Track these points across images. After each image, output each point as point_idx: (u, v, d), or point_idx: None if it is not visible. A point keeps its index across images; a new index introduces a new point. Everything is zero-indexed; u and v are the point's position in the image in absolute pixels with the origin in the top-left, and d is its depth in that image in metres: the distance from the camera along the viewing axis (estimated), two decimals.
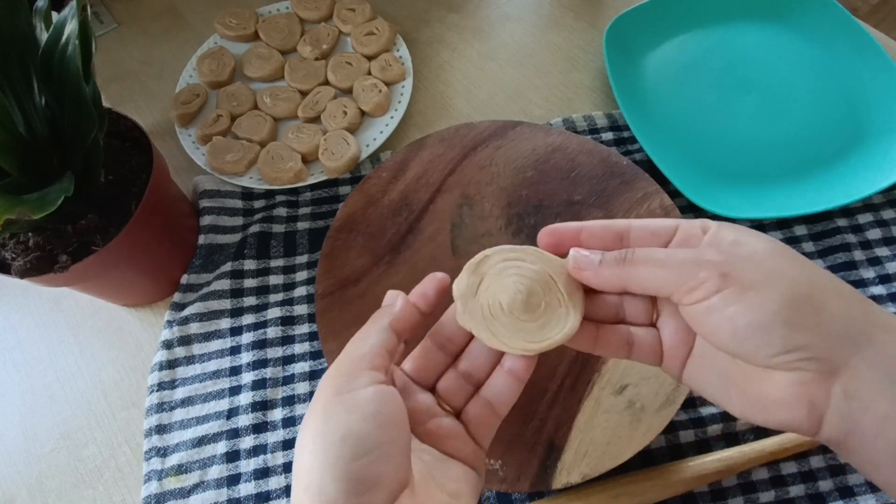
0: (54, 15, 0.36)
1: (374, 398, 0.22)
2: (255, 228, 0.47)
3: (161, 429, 0.40)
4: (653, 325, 0.27)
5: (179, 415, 0.40)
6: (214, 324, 0.43)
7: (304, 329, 0.43)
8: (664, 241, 0.26)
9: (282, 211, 0.48)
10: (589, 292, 0.27)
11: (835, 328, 0.21)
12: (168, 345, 0.42)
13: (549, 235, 0.27)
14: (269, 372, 0.41)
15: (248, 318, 0.44)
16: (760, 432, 0.38)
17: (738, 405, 0.24)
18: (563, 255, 0.27)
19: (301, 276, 0.45)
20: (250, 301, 0.44)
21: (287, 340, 0.43)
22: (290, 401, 0.41)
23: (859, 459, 0.22)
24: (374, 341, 0.25)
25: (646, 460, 0.38)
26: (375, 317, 0.26)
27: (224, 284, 0.44)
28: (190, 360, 0.42)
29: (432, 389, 0.27)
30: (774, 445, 0.37)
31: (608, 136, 0.51)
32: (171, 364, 0.42)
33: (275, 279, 0.45)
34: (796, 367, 0.21)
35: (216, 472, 0.39)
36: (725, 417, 0.39)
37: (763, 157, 0.49)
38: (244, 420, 0.40)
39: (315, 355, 0.42)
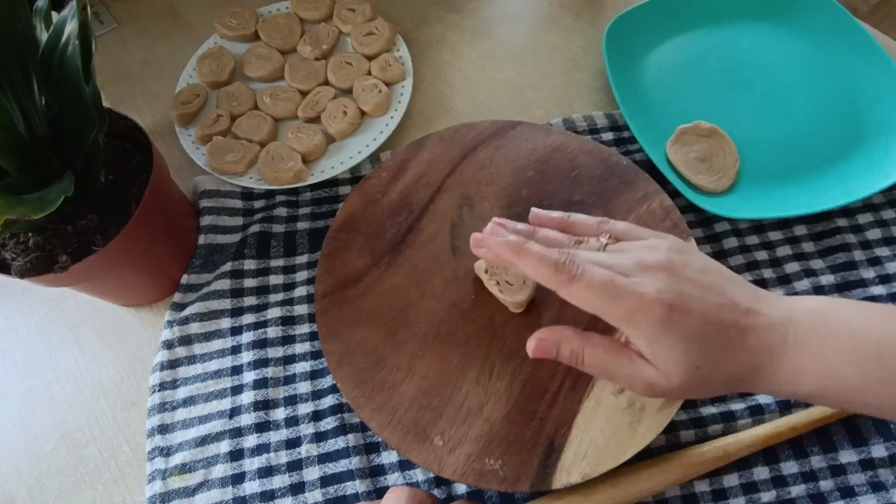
0: (54, 15, 0.36)
1: None
2: (255, 228, 0.47)
3: (164, 428, 0.40)
4: None
5: (182, 414, 0.40)
6: (215, 323, 0.43)
7: (304, 329, 0.43)
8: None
9: (282, 211, 0.48)
10: None
11: None
12: (169, 345, 0.42)
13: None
14: (270, 371, 0.41)
15: (249, 318, 0.44)
16: None
17: None
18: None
19: (301, 276, 0.45)
20: (250, 301, 0.44)
21: (287, 340, 0.43)
22: (291, 400, 0.41)
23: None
24: None
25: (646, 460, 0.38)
26: None
27: (224, 284, 0.44)
28: (191, 359, 0.42)
29: None
30: (770, 429, 0.37)
31: (608, 136, 0.51)
32: (172, 364, 0.42)
33: (275, 279, 0.45)
34: None
35: (220, 470, 0.39)
36: (725, 417, 0.39)
37: (763, 157, 0.49)
38: (246, 419, 0.40)
39: (315, 355, 0.42)
